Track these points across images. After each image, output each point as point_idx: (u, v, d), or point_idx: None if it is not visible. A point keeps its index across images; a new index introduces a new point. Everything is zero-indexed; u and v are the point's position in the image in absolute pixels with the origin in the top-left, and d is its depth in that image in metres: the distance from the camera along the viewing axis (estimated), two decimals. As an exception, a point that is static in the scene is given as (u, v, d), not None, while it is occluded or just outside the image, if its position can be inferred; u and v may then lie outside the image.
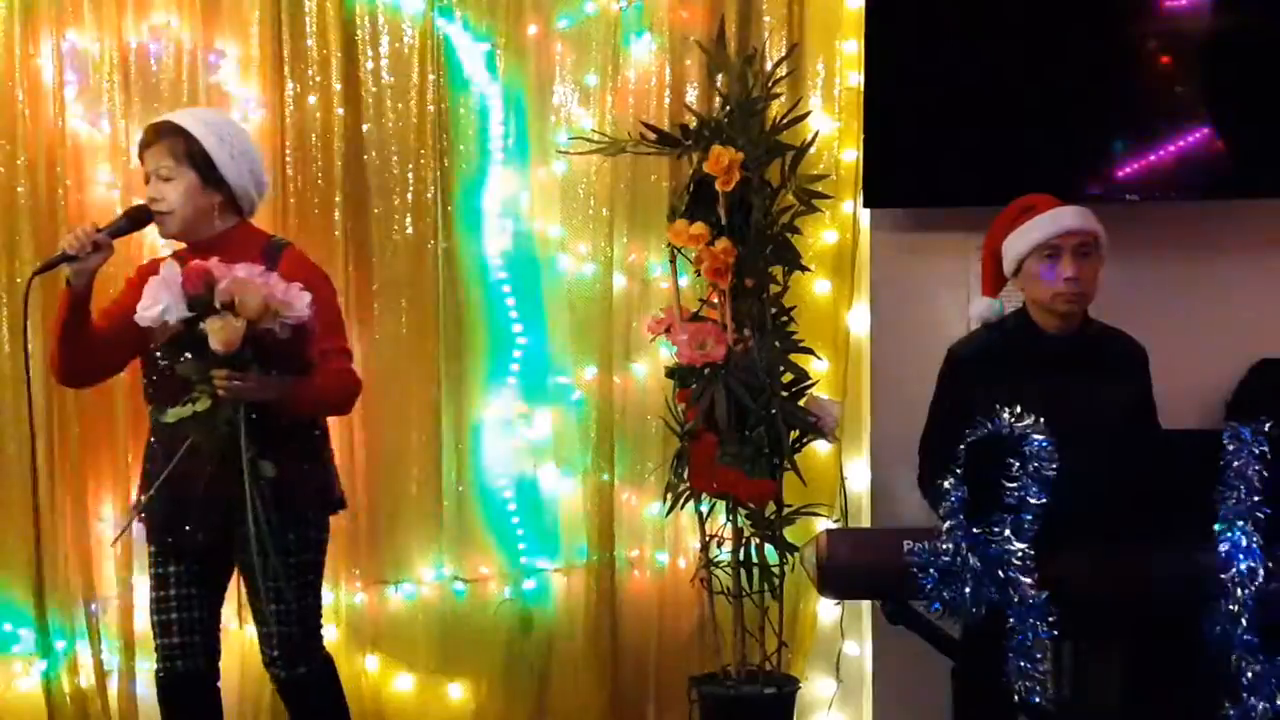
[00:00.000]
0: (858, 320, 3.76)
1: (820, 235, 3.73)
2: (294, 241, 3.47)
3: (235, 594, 3.18)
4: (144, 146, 2.91)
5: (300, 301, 2.66)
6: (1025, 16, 3.51)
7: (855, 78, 3.70)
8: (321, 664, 3.06)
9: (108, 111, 3.60)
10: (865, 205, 3.66)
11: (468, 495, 3.77)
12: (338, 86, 3.66)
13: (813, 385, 3.34)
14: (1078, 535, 2.32)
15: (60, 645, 3.61)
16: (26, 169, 3.58)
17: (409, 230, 3.72)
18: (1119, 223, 3.18)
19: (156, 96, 3.60)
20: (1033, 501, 2.29)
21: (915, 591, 2.35)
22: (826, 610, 3.75)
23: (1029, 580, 2.28)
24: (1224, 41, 3.52)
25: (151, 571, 2.97)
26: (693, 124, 3.29)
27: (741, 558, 3.30)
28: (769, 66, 3.35)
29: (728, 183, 3.13)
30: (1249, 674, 2.24)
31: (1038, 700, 2.30)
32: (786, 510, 3.30)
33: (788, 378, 3.27)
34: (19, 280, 3.58)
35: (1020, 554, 2.29)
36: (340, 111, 3.67)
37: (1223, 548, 2.27)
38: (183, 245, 2.95)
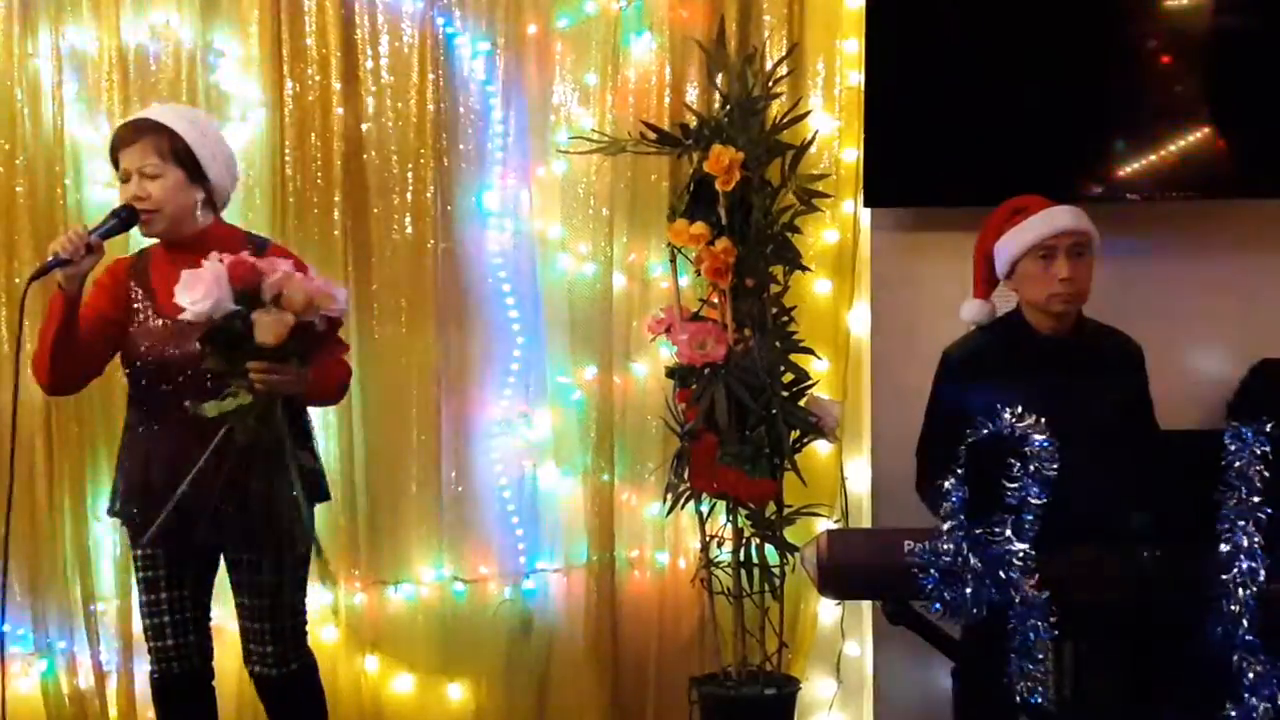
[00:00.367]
0: (858, 320, 3.75)
1: (820, 235, 3.73)
2: (294, 242, 3.51)
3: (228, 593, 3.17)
4: (122, 144, 2.87)
5: (340, 296, 2.69)
6: (1025, 16, 3.50)
7: (855, 77, 3.70)
8: (310, 661, 3.06)
9: (107, 111, 3.59)
10: (865, 205, 3.66)
11: (468, 495, 3.77)
12: (337, 86, 3.66)
13: (813, 385, 3.34)
14: (1077, 535, 2.32)
15: (59, 646, 3.61)
16: (26, 169, 3.58)
17: (409, 230, 3.72)
18: (1119, 223, 3.19)
19: (156, 96, 3.60)
20: (1034, 502, 2.29)
21: (916, 591, 2.34)
22: (827, 610, 3.75)
23: (1029, 580, 2.28)
24: (1224, 41, 3.52)
25: (141, 576, 2.96)
26: (693, 123, 3.29)
27: (742, 558, 3.29)
28: (769, 66, 3.35)
29: (728, 182, 3.13)
30: (1249, 674, 2.24)
31: (1038, 700, 2.30)
32: (787, 510, 3.30)
33: (788, 378, 3.27)
34: (18, 280, 3.57)
35: (1021, 554, 2.29)
36: (340, 111, 3.67)
37: (1223, 548, 2.27)
38: (154, 241, 2.94)
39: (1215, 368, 3.55)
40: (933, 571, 2.31)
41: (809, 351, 3.37)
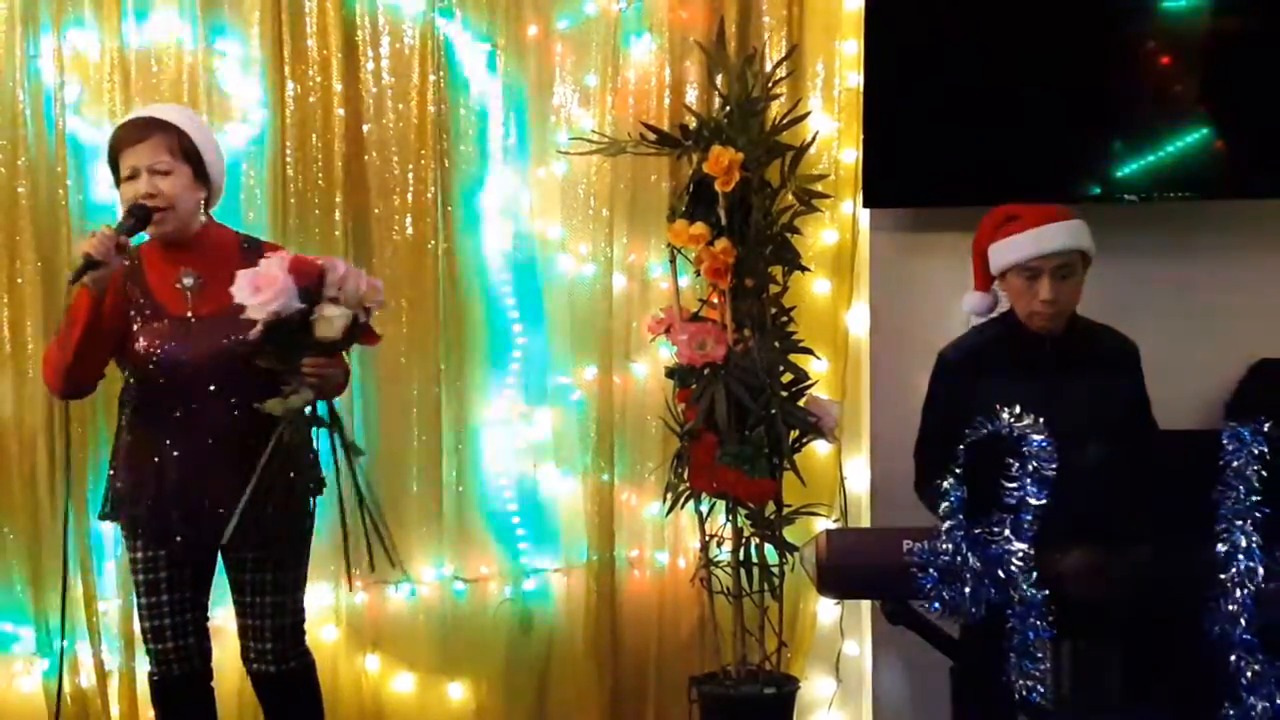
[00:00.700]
0: (857, 320, 3.76)
1: (820, 235, 3.73)
2: (294, 242, 3.51)
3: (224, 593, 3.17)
4: (129, 142, 2.87)
5: (380, 291, 2.76)
6: (1024, 16, 3.51)
7: (855, 78, 3.70)
8: (309, 659, 3.07)
9: (109, 112, 3.59)
10: (865, 205, 3.66)
11: (468, 495, 3.77)
12: (338, 87, 3.66)
13: (813, 385, 3.34)
14: (1075, 534, 2.32)
15: (61, 645, 3.61)
16: (27, 170, 3.58)
17: (409, 231, 3.72)
18: (1119, 223, 3.19)
19: (157, 97, 3.60)
20: (1032, 501, 2.29)
21: (915, 591, 2.35)
22: (826, 610, 3.76)
23: (1028, 580, 2.29)
24: (1223, 41, 3.52)
25: (141, 578, 2.94)
26: (693, 124, 3.29)
27: (741, 558, 3.30)
28: (769, 67, 3.35)
29: (728, 183, 3.13)
30: (1249, 674, 2.24)
31: (1037, 699, 2.31)
32: (786, 510, 3.30)
33: (788, 378, 3.27)
34: (19, 280, 3.57)
35: (1020, 554, 2.29)
36: (340, 112, 3.67)
37: (1222, 548, 2.27)
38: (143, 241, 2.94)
39: (1214, 368, 3.55)
40: (932, 571, 2.32)
41: (808, 352, 3.37)
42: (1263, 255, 3.60)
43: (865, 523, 3.68)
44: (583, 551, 3.79)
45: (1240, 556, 2.25)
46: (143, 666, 3.54)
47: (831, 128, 3.74)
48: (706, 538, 3.33)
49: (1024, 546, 2.30)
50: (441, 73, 3.71)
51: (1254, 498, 2.27)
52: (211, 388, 2.84)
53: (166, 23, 3.62)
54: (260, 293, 2.62)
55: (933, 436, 3.08)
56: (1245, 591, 2.24)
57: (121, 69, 3.59)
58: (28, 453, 3.57)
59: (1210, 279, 3.58)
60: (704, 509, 3.33)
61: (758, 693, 3.28)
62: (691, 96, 3.73)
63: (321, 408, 2.81)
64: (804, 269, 3.42)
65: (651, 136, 3.30)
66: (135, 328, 2.87)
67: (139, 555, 2.94)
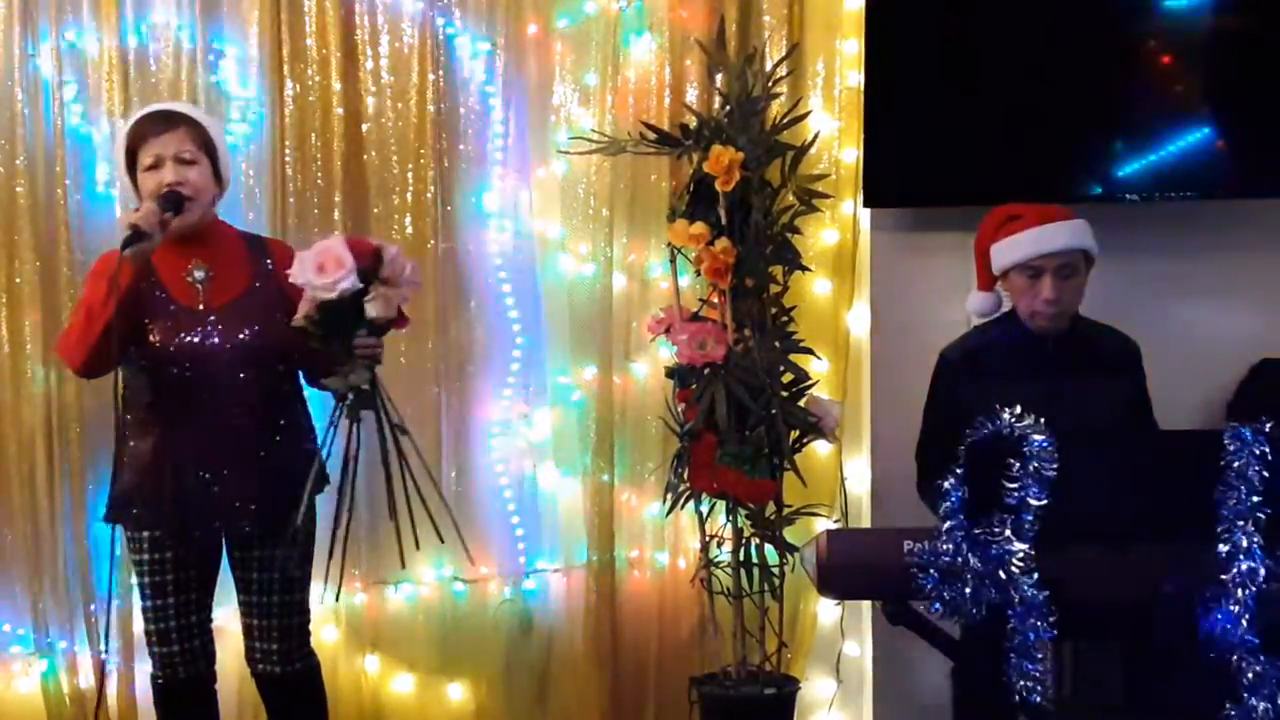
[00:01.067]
0: (858, 320, 3.75)
1: (820, 235, 3.73)
2: (294, 242, 3.50)
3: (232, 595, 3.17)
4: (154, 132, 2.89)
5: (419, 274, 2.87)
6: (1025, 16, 3.50)
7: (855, 78, 3.70)
8: (314, 660, 3.07)
9: (107, 111, 3.59)
10: (865, 205, 3.66)
11: (468, 495, 3.77)
12: (338, 86, 3.66)
13: (813, 385, 3.34)
14: (1076, 534, 2.32)
15: (59, 646, 3.61)
16: (26, 169, 3.58)
17: (409, 230, 3.72)
18: (1119, 223, 3.19)
19: (156, 96, 3.59)
20: (1033, 502, 2.29)
21: (915, 592, 2.34)
22: (826, 610, 3.75)
23: (1029, 581, 2.28)
24: (1224, 41, 3.52)
25: (147, 580, 2.93)
26: (693, 124, 3.28)
27: (741, 558, 3.29)
28: (769, 66, 3.35)
29: (728, 183, 3.12)
30: (1249, 674, 2.24)
31: (1038, 700, 2.30)
32: (786, 510, 3.30)
33: (788, 378, 3.27)
34: (18, 280, 3.57)
35: (1020, 554, 2.29)
36: (340, 111, 3.67)
37: (1223, 548, 2.27)
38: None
39: (1215, 368, 3.55)
40: (932, 571, 2.31)
41: (809, 351, 3.37)
42: (1263, 255, 3.60)
43: (865, 523, 3.67)
44: (583, 551, 3.79)
45: (1242, 557, 2.24)
46: (142, 667, 3.56)
47: (832, 127, 3.73)
48: (706, 538, 3.33)
49: (1024, 547, 2.29)
50: (441, 72, 3.71)
51: (1255, 498, 2.26)
52: (225, 379, 2.85)
53: (165, 21, 3.62)
54: (326, 272, 2.65)
55: (934, 436, 3.08)
56: (1246, 592, 2.24)
57: (120, 68, 3.59)
58: (26, 454, 3.57)
59: (1210, 279, 3.58)
60: (704, 509, 3.33)
61: (758, 693, 3.28)
62: (691, 96, 3.73)
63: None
64: (804, 269, 3.41)
65: (651, 136, 3.30)
66: (147, 320, 2.86)
67: (145, 557, 2.93)
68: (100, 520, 3.05)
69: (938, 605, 2.34)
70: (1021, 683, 2.30)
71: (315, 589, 3.08)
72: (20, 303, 3.58)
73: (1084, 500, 2.31)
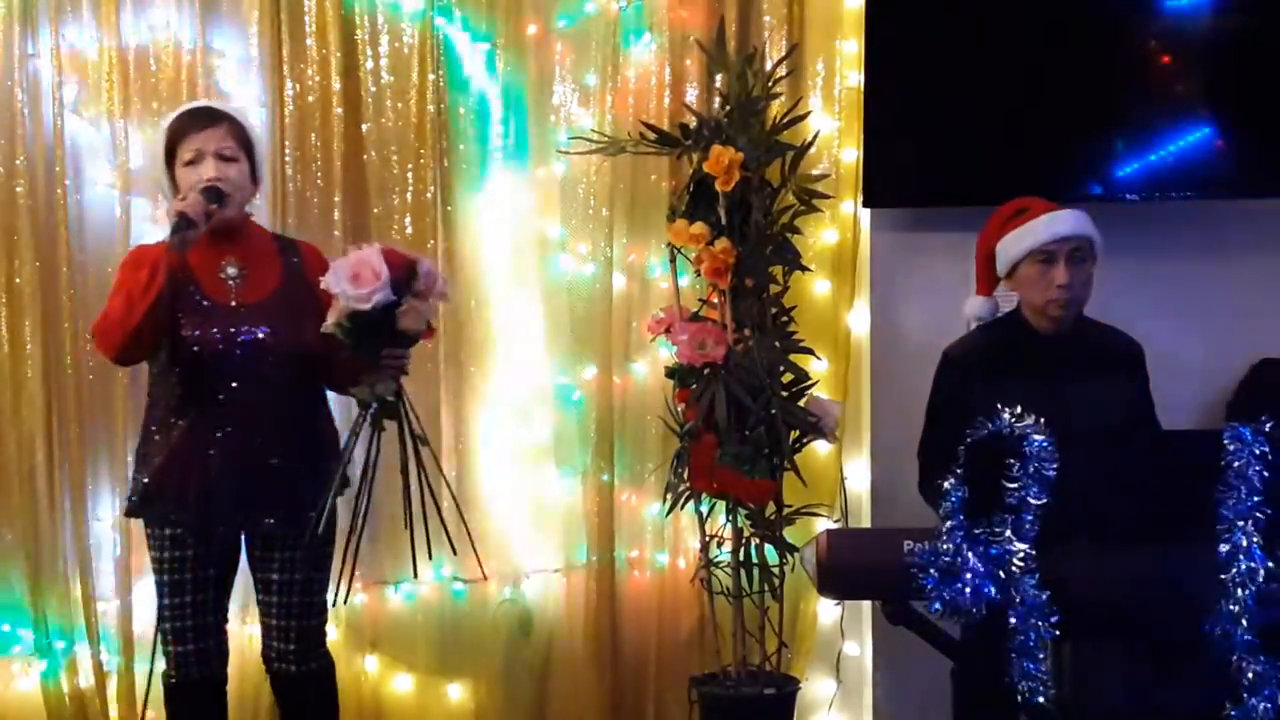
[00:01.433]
0: (858, 320, 3.76)
1: (820, 235, 3.73)
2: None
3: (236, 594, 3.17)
4: (195, 127, 2.90)
5: (448, 285, 2.87)
6: (1025, 16, 3.51)
7: (855, 78, 3.70)
8: (329, 660, 3.07)
9: (107, 112, 3.59)
10: (865, 205, 3.66)
11: (467, 495, 3.76)
12: (337, 86, 3.66)
13: (813, 385, 3.34)
14: (1077, 535, 2.32)
15: (60, 645, 3.61)
16: (25, 169, 3.57)
17: (409, 230, 3.72)
18: (1119, 223, 3.18)
19: (155, 96, 3.60)
20: (1033, 502, 2.29)
21: (915, 591, 2.34)
22: (826, 610, 3.75)
23: (1029, 581, 2.28)
24: (1224, 41, 3.52)
25: (166, 578, 2.91)
26: (693, 124, 3.29)
27: (741, 558, 3.30)
28: (769, 66, 3.35)
29: (728, 183, 3.13)
30: (1249, 674, 2.24)
31: (1038, 700, 2.30)
32: (786, 510, 3.30)
33: (788, 378, 3.27)
34: (17, 280, 3.57)
35: (1021, 554, 2.29)
36: (340, 111, 3.67)
37: (1223, 548, 2.27)
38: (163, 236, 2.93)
39: (1215, 368, 3.55)
40: (932, 571, 2.31)
41: (809, 352, 3.37)
42: (1263, 255, 3.60)
43: (865, 523, 3.68)
44: (583, 552, 3.79)
45: (1242, 557, 2.24)
46: (141, 667, 3.56)
47: (832, 127, 3.74)
48: (706, 538, 3.33)
49: (1025, 547, 2.29)
50: (441, 72, 3.71)
51: (1255, 498, 2.26)
52: (253, 377, 2.85)
53: (165, 21, 3.62)
54: (360, 283, 2.65)
55: (936, 434, 3.08)
56: (1246, 592, 2.24)
57: (120, 68, 3.58)
58: (27, 453, 3.57)
59: (1210, 279, 3.58)
60: (704, 509, 3.33)
61: (758, 693, 3.28)
62: (691, 96, 3.73)
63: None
64: (804, 269, 3.41)
65: (651, 136, 3.30)
66: (179, 315, 2.85)
67: (165, 554, 2.91)
68: (123, 513, 3.04)
69: (937, 605, 2.33)
70: (1021, 683, 2.30)
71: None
72: (20, 303, 3.58)
73: (1084, 500, 2.31)
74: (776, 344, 3.25)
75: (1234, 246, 3.59)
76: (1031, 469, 2.29)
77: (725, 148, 3.13)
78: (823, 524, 3.34)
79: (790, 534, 3.31)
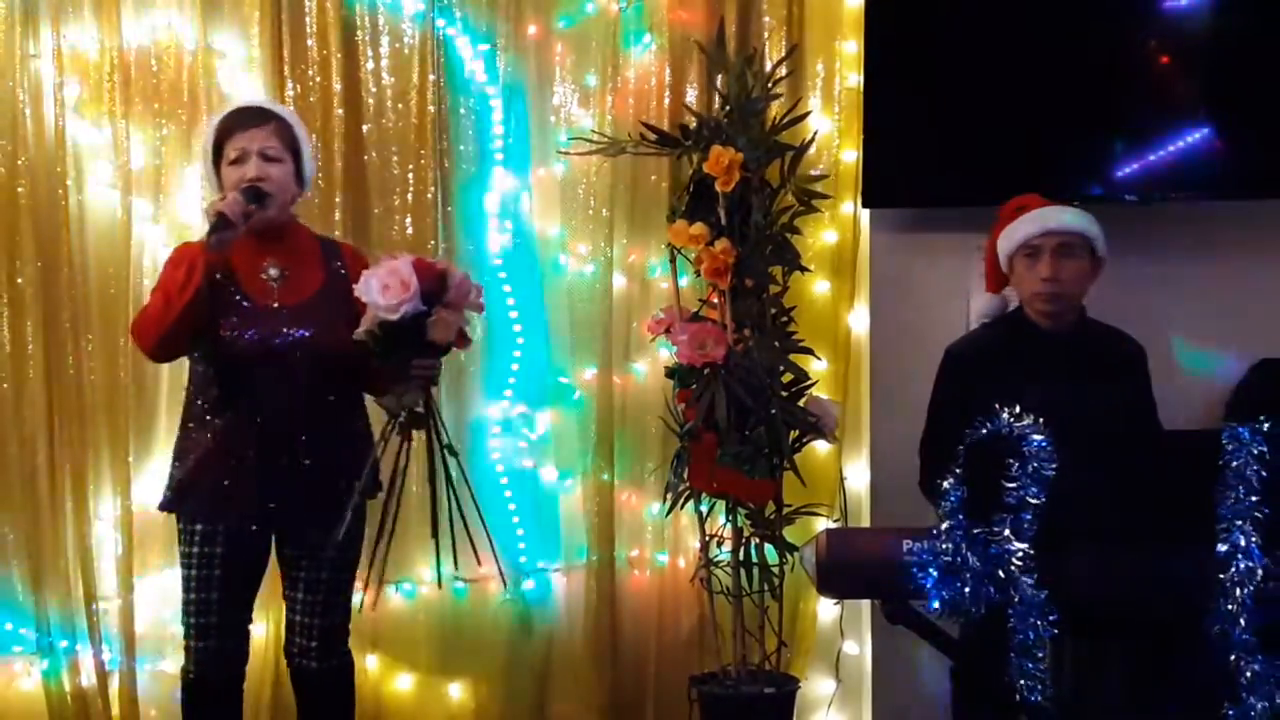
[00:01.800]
0: (858, 320, 3.76)
1: (820, 235, 3.73)
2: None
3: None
4: (243, 126, 2.90)
5: (483, 295, 2.85)
6: (1024, 16, 3.51)
7: (855, 78, 3.71)
8: (349, 659, 3.09)
9: (108, 112, 3.59)
10: (865, 205, 3.66)
11: (468, 495, 3.76)
12: (338, 87, 3.67)
13: (813, 385, 3.34)
14: (1077, 534, 2.32)
15: (62, 645, 3.61)
16: (27, 169, 3.58)
17: (409, 230, 3.72)
18: (1119, 223, 3.19)
19: (156, 97, 3.60)
20: (1033, 501, 2.29)
21: (915, 591, 2.34)
22: (826, 610, 3.76)
23: (1029, 580, 2.28)
24: (1224, 41, 3.52)
25: (194, 574, 2.91)
26: (693, 124, 3.29)
27: (741, 558, 3.30)
28: (769, 66, 3.35)
29: (727, 183, 3.13)
30: (1248, 674, 2.24)
31: (1038, 700, 2.30)
32: (786, 510, 3.31)
33: (788, 378, 3.27)
34: (19, 280, 3.57)
35: (1020, 553, 2.29)
36: (340, 112, 3.67)
37: (1222, 548, 2.27)
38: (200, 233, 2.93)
39: (1215, 368, 3.55)
40: (932, 571, 2.31)
41: (808, 352, 3.37)
42: (1264, 255, 3.60)
43: (865, 523, 3.68)
44: (583, 551, 3.79)
45: (1241, 557, 2.25)
46: (141, 667, 3.56)
47: (832, 127, 3.74)
48: (706, 538, 3.33)
49: (1024, 546, 2.29)
50: (441, 73, 3.71)
51: (1254, 498, 2.26)
52: (291, 377, 2.85)
53: (165, 22, 3.62)
54: (389, 293, 2.66)
55: (937, 432, 3.08)
56: (1245, 592, 2.24)
57: (121, 68, 3.59)
58: (29, 452, 3.57)
59: (1211, 279, 3.58)
60: (704, 509, 3.33)
61: (758, 693, 3.28)
62: (691, 96, 3.73)
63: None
64: (804, 269, 3.42)
65: (651, 136, 3.30)
66: (220, 315, 2.86)
67: (195, 550, 2.91)
68: (157, 507, 3.04)
69: (936, 604, 2.34)
70: (1021, 682, 2.30)
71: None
72: (21, 303, 3.58)
73: (1084, 500, 2.31)
74: (776, 344, 3.25)
75: (1233, 246, 3.59)
76: (1031, 469, 2.29)
77: (725, 148, 3.13)
78: (822, 524, 3.34)
79: (790, 534, 3.31)
